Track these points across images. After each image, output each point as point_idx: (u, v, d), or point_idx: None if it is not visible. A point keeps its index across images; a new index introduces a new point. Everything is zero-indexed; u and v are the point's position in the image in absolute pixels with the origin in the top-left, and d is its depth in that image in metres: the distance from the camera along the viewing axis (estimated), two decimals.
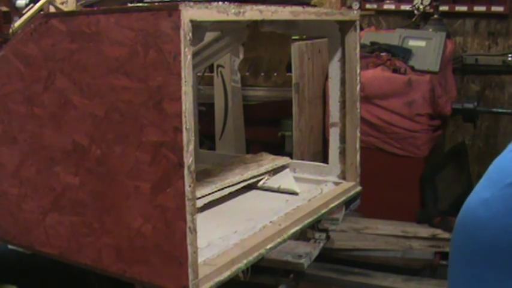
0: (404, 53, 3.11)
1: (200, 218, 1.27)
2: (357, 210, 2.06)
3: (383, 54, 3.09)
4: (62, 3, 1.68)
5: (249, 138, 3.10)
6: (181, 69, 1.10)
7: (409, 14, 3.76)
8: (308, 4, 1.79)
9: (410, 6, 3.70)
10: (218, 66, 2.95)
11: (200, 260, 1.21)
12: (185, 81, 1.11)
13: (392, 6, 3.91)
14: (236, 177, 1.66)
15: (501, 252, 0.94)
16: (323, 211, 1.65)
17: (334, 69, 1.79)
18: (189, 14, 1.11)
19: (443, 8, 3.66)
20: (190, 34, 1.11)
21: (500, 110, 3.45)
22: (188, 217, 1.14)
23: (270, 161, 1.81)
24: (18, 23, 1.62)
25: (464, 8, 3.74)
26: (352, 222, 2.90)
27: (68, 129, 1.29)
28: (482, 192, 1.00)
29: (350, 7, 3.85)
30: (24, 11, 1.67)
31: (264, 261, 1.88)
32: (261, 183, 1.76)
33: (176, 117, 1.12)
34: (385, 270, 2.66)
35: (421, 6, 3.60)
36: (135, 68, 1.16)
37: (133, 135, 1.19)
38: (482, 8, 3.70)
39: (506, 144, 1.08)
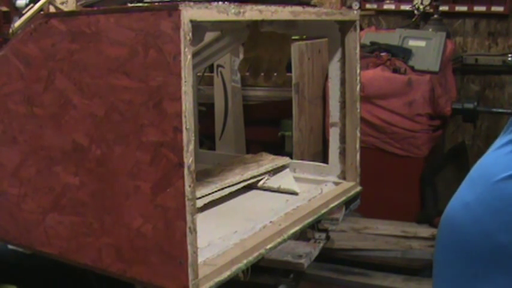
0: (404, 53, 3.11)
1: (200, 218, 1.27)
2: (357, 210, 2.06)
3: (383, 54, 3.09)
4: (62, 3, 1.68)
5: (249, 138, 3.10)
6: (181, 69, 1.10)
7: (409, 14, 3.77)
8: (308, 4, 1.78)
9: (410, 6, 3.70)
10: (218, 66, 2.95)
11: (200, 260, 1.21)
12: (185, 81, 1.11)
13: (392, 6, 3.92)
14: (236, 177, 1.66)
15: (482, 255, 0.96)
16: (323, 211, 1.65)
17: (334, 69, 1.78)
18: (189, 14, 1.11)
19: (443, 8, 3.67)
20: (190, 34, 1.11)
21: (500, 110, 3.45)
22: (188, 217, 1.14)
23: (270, 161, 1.81)
24: (18, 23, 1.62)
25: (464, 8, 3.74)
26: (352, 222, 2.90)
27: (68, 129, 1.29)
28: (464, 195, 1.02)
29: (350, 7, 3.86)
30: (24, 11, 1.66)
31: (264, 261, 1.88)
32: (261, 183, 1.76)
33: (176, 117, 1.12)
34: (385, 270, 2.65)
35: (421, 6, 3.60)
36: (135, 68, 1.16)
37: (134, 135, 1.19)
38: (482, 8, 3.71)
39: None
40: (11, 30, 1.66)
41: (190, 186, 1.14)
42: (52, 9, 1.65)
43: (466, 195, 1.01)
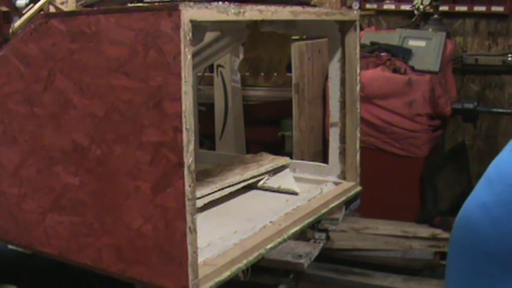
0: (404, 53, 3.11)
1: (200, 218, 1.27)
2: (357, 210, 2.07)
3: (383, 54, 3.09)
4: (62, 3, 1.68)
5: (249, 138, 3.10)
6: (181, 69, 1.10)
7: (409, 14, 3.77)
8: (308, 4, 1.78)
9: (410, 6, 3.70)
10: (218, 66, 2.95)
11: (200, 260, 1.21)
12: (185, 81, 1.11)
13: (392, 6, 3.92)
14: (236, 177, 1.66)
15: (500, 256, 0.94)
16: (323, 211, 1.65)
17: (334, 69, 1.78)
18: (189, 14, 1.11)
19: (443, 8, 3.67)
20: (190, 34, 1.11)
21: (500, 110, 3.46)
22: (188, 217, 1.14)
23: (270, 161, 1.81)
24: (18, 23, 1.62)
25: (464, 8, 3.74)
26: (352, 222, 2.90)
27: (68, 129, 1.29)
28: (481, 195, 1.00)
29: (350, 7, 3.86)
30: (24, 11, 1.66)
31: (264, 261, 1.88)
32: (261, 183, 1.76)
33: (176, 117, 1.12)
34: (385, 270, 2.66)
35: (421, 6, 3.60)
36: (135, 68, 1.16)
37: (134, 135, 1.19)
38: (482, 8, 3.71)
39: (506, 145, 1.07)
40: (11, 30, 1.65)
41: (190, 186, 1.14)
42: (52, 9, 1.65)
43: (482, 196, 1.00)
